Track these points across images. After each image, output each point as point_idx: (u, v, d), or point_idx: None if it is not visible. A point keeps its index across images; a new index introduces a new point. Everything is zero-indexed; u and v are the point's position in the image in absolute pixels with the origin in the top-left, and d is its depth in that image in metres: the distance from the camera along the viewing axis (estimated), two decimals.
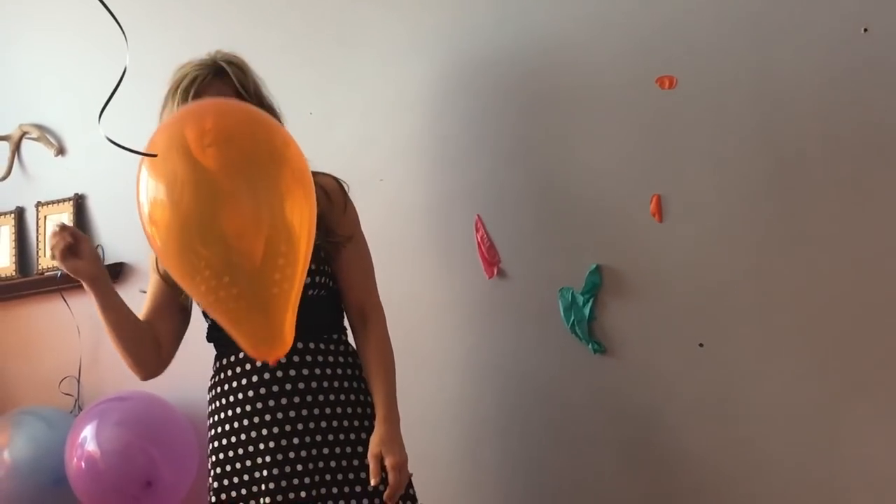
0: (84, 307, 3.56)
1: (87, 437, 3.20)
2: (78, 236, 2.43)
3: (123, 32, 2.94)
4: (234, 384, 2.52)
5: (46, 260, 3.60)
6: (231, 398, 2.52)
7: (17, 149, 3.67)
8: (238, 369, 2.52)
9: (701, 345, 2.72)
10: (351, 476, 2.48)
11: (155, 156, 3.16)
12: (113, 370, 3.53)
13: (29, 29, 3.70)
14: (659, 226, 2.75)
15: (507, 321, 2.95)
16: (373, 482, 2.39)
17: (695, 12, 2.71)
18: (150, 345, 2.61)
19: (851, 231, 2.57)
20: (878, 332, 2.56)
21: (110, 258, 3.52)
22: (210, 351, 3.24)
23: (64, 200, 3.59)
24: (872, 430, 2.56)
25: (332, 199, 2.54)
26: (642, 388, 2.79)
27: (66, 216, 3.57)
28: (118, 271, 3.50)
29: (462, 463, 2.98)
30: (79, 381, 3.58)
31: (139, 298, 3.41)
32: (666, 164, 2.74)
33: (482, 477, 2.97)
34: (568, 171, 2.85)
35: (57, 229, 2.42)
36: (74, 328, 3.57)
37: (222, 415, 2.53)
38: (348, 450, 2.48)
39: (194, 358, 3.36)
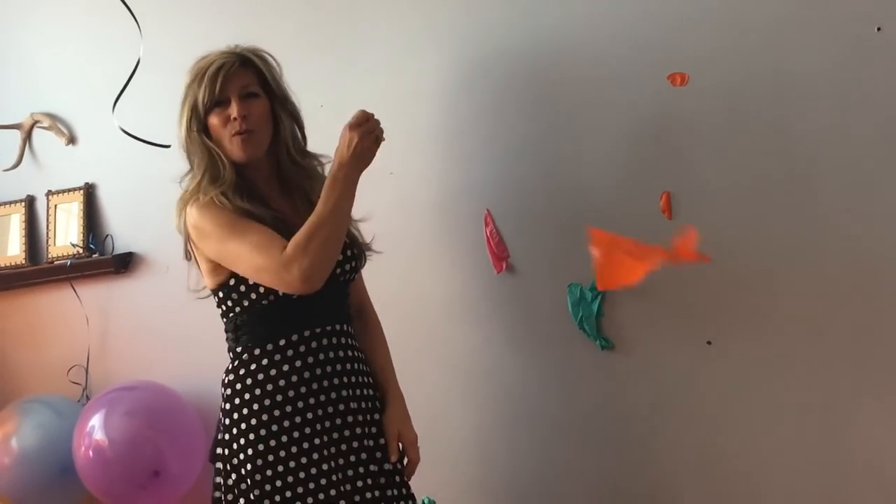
0: (92, 296, 3.58)
1: (96, 426, 3.21)
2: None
3: (137, 23, 2.96)
4: (298, 363, 2.48)
5: (56, 248, 3.61)
6: (294, 378, 2.47)
7: (28, 137, 3.67)
8: (302, 348, 2.49)
9: (709, 342, 2.71)
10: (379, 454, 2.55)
11: (168, 146, 3.19)
12: (121, 360, 3.56)
13: (42, 17, 3.70)
14: (668, 222, 2.74)
15: (516, 316, 2.95)
16: (394, 459, 2.51)
17: (709, 9, 2.69)
18: None
19: (862, 230, 2.56)
20: (887, 332, 2.55)
21: (119, 248, 3.54)
22: (217, 343, 3.27)
23: (74, 189, 3.60)
24: (880, 429, 2.56)
25: None
26: (649, 384, 2.79)
27: (76, 205, 3.58)
28: (127, 261, 3.52)
29: (469, 458, 2.99)
30: (87, 371, 3.59)
31: (155, 284, 3.47)
32: (676, 161, 2.74)
33: (489, 472, 2.98)
34: (578, 167, 2.85)
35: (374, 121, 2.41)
36: (83, 317, 3.58)
37: (278, 397, 2.47)
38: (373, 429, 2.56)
39: (203, 349, 3.39)
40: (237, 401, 2.52)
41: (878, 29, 2.52)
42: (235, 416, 2.52)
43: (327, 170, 2.51)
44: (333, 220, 2.39)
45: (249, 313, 2.53)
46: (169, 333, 3.47)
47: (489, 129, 2.96)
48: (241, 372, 2.53)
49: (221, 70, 2.48)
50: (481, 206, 2.96)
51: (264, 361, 2.51)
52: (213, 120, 2.51)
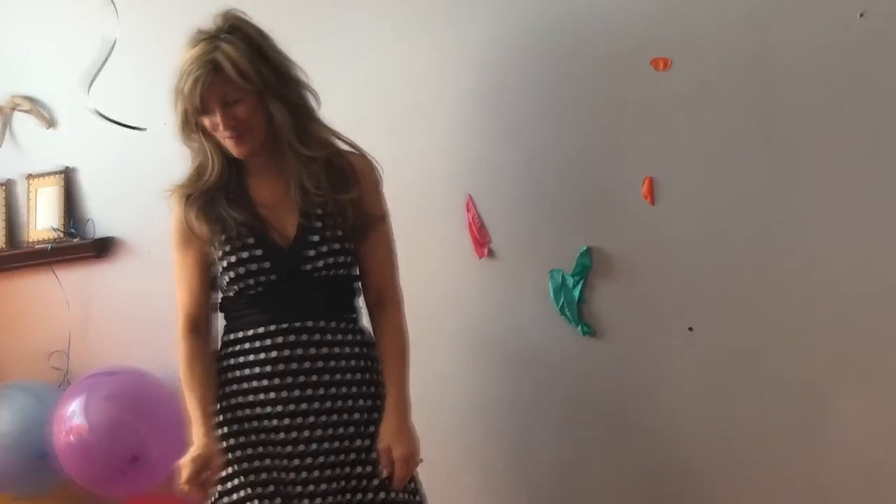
0: (73, 280, 3.56)
1: (76, 411, 3.20)
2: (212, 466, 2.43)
3: (114, 4, 2.94)
4: (252, 357, 2.48)
5: (36, 232, 3.58)
6: (245, 371, 2.48)
7: (7, 120, 3.64)
8: (258, 343, 2.48)
9: (690, 329, 2.71)
10: (361, 459, 2.50)
11: (144, 129, 3.17)
12: (102, 345, 3.54)
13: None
14: (651, 208, 2.74)
15: (498, 301, 2.95)
16: (384, 474, 2.44)
17: None
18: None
19: (845, 216, 2.56)
20: (870, 319, 2.55)
21: (100, 232, 3.51)
22: None
23: (54, 173, 3.57)
24: (860, 414, 2.56)
25: (364, 178, 2.55)
26: (631, 371, 2.79)
27: (56, 189, 3.55)
28: (108, 246, 3.50)
29: (448, 440, 2.97)
30: (68, 356, 3.57)
31: (136, 268, 3.45)
32: (659, 147, 2.73)
33: (467, 454, 2.98)
34: (561, 152, 2.84)
35: (192, 475, 2.41)
36: (64, 302, 3.57)
37: (234, 386, 2.50)
38: (361, 432, 2.50)
39: None
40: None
41: (861, 15, 2.51)
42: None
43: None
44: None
45: (222, 301, 2.58)
46: (150, 318, 3.43)
47: (470, 114, 2.94)
48: (219, 353, 2.57)
49: (197, 85, 2.39)
50: (463, 192, 2.95)
51: (223, 352, 2.55)
52: (206, 123, 2.47)
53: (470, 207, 2.94)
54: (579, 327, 2.82)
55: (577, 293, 2.82)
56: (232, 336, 2.53)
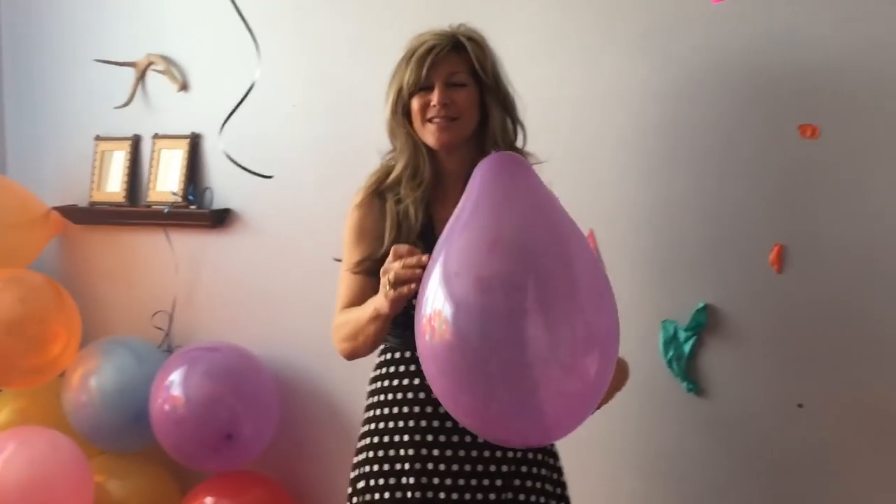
0: (184, 246, 3.60)
1: (175, 382, 3.25)
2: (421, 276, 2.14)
3: (256, 44, 2.92)
4: (396, 382, 2.42)
5: (156, 193, 3.62)
6: (391, 395, 2.42)
7: (141, 77, 3.66)
8: (402, 367, 2.42)
9: (800, 405, 2.66)
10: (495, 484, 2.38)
11: (271, 177, 3.15)
12: (205, 313, 3.59)
13: None
14: (776, 276, 2.68)
15: None
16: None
17: (846, 62, 2.59)
18: None
19: None
20: None
21: (218, 203, 3.53)
22: (301, 312, 3.27)
23: (181, 137, 3.59)
24: None
25: None
26: (731, 436, 2.76)
27: (180, 153, 3.57)
28: (224, 217, 3.52)
29: None
30: (171, 318, 3.62)
31: (248, 243, 3.47)
32: (795, 215, 2.66)
33: None
34: (694, 201, 2.78)
35: (419, 262, 2.13)
36: (173, 265, 3.61)
37: (378, 411, 2.44)
38: (516, 482, 2.39)
39: (288, 316, 3.42)
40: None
41: None
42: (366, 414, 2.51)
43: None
44: (359, 335, 2.36)
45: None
46: (255, 295, 3.48)
47: (605, 146, 2.89)
48: (374, 373, 2.51)
49: (430, 53, 2.36)
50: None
51: (378, 371, 2.49)
52: (415, 104, 2.39)
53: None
54: (685, 383, 2.79)
55: (687, 348, 2.78)
56: (388, 356, 2.47)
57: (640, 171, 2.84)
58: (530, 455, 2.40)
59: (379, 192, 2.47)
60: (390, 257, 2.19)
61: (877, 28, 2.55)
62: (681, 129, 2.78)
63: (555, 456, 2.48)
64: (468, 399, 1.98)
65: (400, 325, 2.36)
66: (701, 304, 2.76)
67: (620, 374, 2.32)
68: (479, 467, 2.35)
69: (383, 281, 2.19)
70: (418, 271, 2.11)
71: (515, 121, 2.48)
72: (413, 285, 2.12)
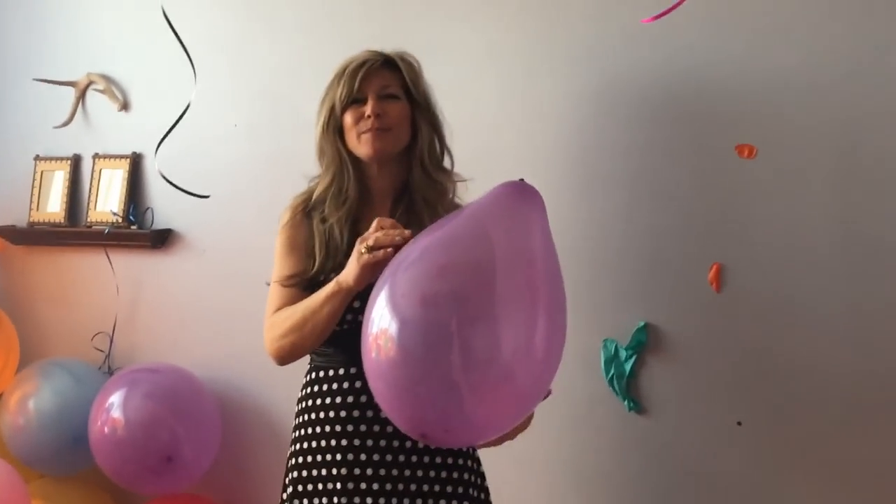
0: (125, 267, 3.57)
1: (115, 404, 3.22)
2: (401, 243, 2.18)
3: (193, 66, 2.92)
4: (328, 400, 2.43)
5: (96, 213, 3.59)
6: (322, 414, 2.42)
7: (82, 96, 3.64)
8: (335, 385, 2.42)
9: (739, 423, 2.68)
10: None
11: (207, 196, 3.15)
12: (146, 334, 3.56)
13: None
14: (715, 295, 2.70)
15: None
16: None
17: (783, 83, 2.63)
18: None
19: None
20: None
21: (159, 223, 3.51)
22: (244, 333, 3.24)
23: (121, 157, 3.57)
24: None
25: None
26: (673, 455, 2.77)
27: (121, 172, 3.55)
28: (165, 238, 3.50)
29: None
30: (111, 339, 3.59)
31: (189, 264, 3.45)
32: (733, 234, 2.69)
33: None
34: (632, 221, 2.79)
35: (403, 235, 2.17)
36: (114, 286, 3.58)
37: (309, 430, 2.45)
38: (437, 488, 2.41)
39: (230, 337, 3.40)
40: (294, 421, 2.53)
41: None
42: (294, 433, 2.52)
43: (456, 190, 2.52)
44: (311, 320, 2.36)
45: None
46: (197, 316, 3.46)
47: (542, 166, 2.90)
48: (302, 392, 2.52)
49: (362, 67, 2.42)
50: None
51: (305, 390, 2.50)
52: (348, 117, 2.42)
53: None
54: (626, 402, 2.80)
55: (628, 367, 2.79)
56: (314, 375, 2.48)
57: (579, 190, 2.86)
58: (460, 461, 2.43)
59: (306, 210, 2.50)
60: (372, 228, 2.21)
61: (813, 48, 2.58)
62: (619, 149, 2.80)
63: (478, 461, 2.52)
64: (410, 409, 1.98)
65: (329, 343, 2.40)
66: (641, 324, 2.78)
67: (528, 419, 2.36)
68: (407, 472, 2.37)
69: (358, 248, 2.21)
70: (398, 238, 2.15)
71: (443, 141, 2.52)
72: (390, 250, 2.15)
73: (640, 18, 2.61)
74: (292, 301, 2.43)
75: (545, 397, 2.11)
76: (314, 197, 2.49)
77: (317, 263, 2.41)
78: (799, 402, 2.63)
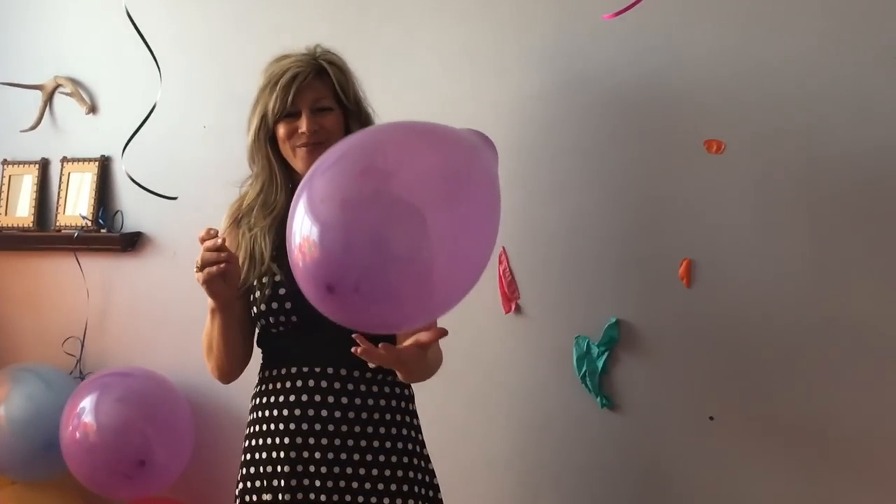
0: (96, 270, 3.55)
1: (86, 409, 3.20)
2: (232, 259, 2.29)
3: (157, 63, 2.91)
4: (273, 399, 2.44)
5: (65, 217, 3.56)
6: (268, 412, 2.44)
7: (49, 100, 3.61)
8: (279, 384, 2.44)
9: (711, 418, 2.69)
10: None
11: (175, 198, 3.14)
12: (118, 338, 3.54)
13: None
14: (685, 291, 2.71)
15: (518, 359, 2.92)
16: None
17: (750, 78, 2.64)
18: (243, 358, 2.53)
19: (889, 320, 2.53)
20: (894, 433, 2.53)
21: (129, 226, 3.49)
22: None
23: (90, 160, 3.55)
24: None
25: None
26: (646, 451, 2.78)
27: (89, 176, 3.53)
28: (135, 241, 3.48)
29: (456, 492, 2.96)
30: (83, 344, 3.56)
31: (159, 267, 3.43)
32: (702, 229, 2.69)
33: None
34: (601, 219, 2.80)
35: (214, 245, 2.24)
36: (84, 290, 3.55)
37: (257, 427, 2.47)
38: (380, 486, 2.40)
39: (199, 339, 3.36)
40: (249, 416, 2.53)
41: None
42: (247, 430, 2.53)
43: None
44: (211, 340, 2.45)
45: (267, 335, 2.51)
46: (169, 319, 3.44)
47: (513, 167, 2.89)
48: (255, 389, 2.53)
49: (295, 80, 2.39)
50: (497, 244, 2.91)
51: (256, 389, 2.52)
52: (281, 130, 2.42)
53: (502, 260, 2.91)
54: (598, 398, 2.80)
55: (600, 364, 2.79)
56: (263, 374, 2.51)
57: (550, 189, 2.86)
58: (405, 459, 2.43)
59: (237, 219, 2.51)
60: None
61: (780, 43, 2.59)
62: (588, 146, 2.81)
63: (427, 458, 2.52)
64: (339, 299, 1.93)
65: (269, 344, 2.46)
66: (613, 320, 2.78)
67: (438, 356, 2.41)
68: (349, 470, 2.38)
69: (195, 270, 2.28)
70: (223, 255, 2.23)
71: None
72: (221, 265, 2.23)
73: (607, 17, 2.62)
74: None
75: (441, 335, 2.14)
76: (244, 204, 2.51)
77: (242, 274, 2.42)
78: (771, 397, 2.65)
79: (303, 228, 1.94)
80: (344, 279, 1.90)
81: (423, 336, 2.17)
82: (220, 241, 2.24)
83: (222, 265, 2.24)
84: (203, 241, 2.26)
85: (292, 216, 1.99)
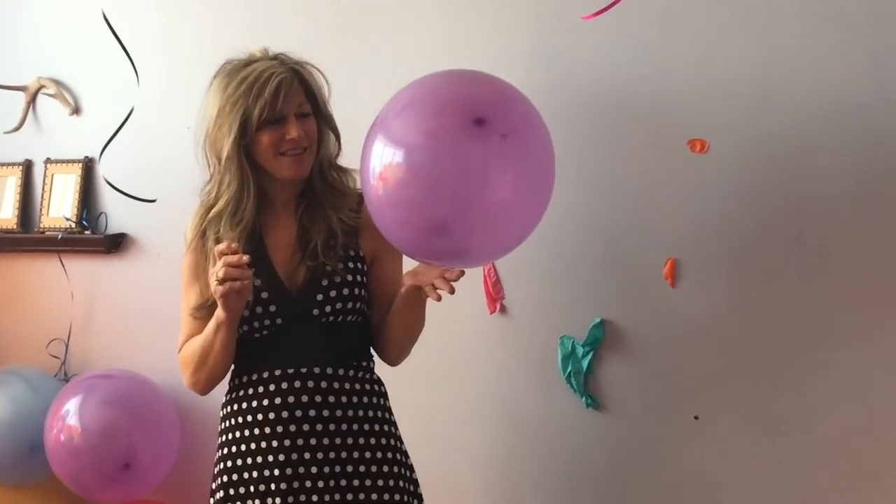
0: (80, 272, 3.54)
1: (70, 411, 3.19)
2: (250, 277, 2.27)
3: (133, 63, 2.91)
4: (255, 403, 2.42)
5: (49, 219, 3.55)
6: (249, 417, 2.42)
7: (32, 101, 3.60)
8: (261, 388, 2.42)
9: (696, 417, 2.69)
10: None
11: (154, 201, 3.13)
12: (102, 340, 3.53)
13: None
14: (670, 290, 2.71)
15: (503, 359, 2.92)
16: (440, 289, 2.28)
17: (733, 77, 2.63)
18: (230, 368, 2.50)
19: (870, 321, 2.54)
20: (878, 431, 2.53)
21: (113, 228, 3.48)
22: None
23: (74, 161, 3.53)
24: None
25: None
26: (631, 450, 2.78)
27: (73, 177, 3.51)
28: (119, 242, 3.47)
29: (441, 490, 2.95)
30: (67, 346, 3.55)
31: (144, 268, 3.42)
32: (686, 229, 2.69)
33: None
34: (587, 219, 2.80)
35: (239, 261, 2.22)
36: (68, 292, 3.54)
37: (237, 433, 2.44)
38: (368, 482, 2.40)
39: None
40: (221, 425, 2.50)
41: None
42: (220, 438, 2.50)
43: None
44: (210, 353, 2.40)
45: (244, 341, 2.46)
46: (153, 320, 3.41)
47: None
48: (226, 397, 2.51)
49: (282, 87, 2.35)
50: None
51: (230, 396, 2.49)
52: (265, 138, 2.37)
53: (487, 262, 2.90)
54: (584, 398, 2.80)
55: (585, 364, 2.79)
56: (237, 380, 2.48)
57: None
58: (389, 455, 2.43)
59: (203, 231, 2.47)
60: (219, 261, 2.24)
61: (762, 42, 2.59)
62: (572, 146, 2.79)
63: (406, 454, 2.51)
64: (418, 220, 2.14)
65: (252, 348, 2.42)
66: (597, 320, 2.78)
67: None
68: (338, 468, 2.38)
69: (211, 282, 2.26)
70: (247, 272, 2.23)
71: (339, 141, 2.51)
72: (242, 282, 2.23)
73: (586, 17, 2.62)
74: (202, 329, 2.43)
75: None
76: (212, 213, 2.45)
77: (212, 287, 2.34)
78: (755, 397, 2.65)
79: (384, 158, 2.14)
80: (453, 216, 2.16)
81: (451, 273, 2.26)
82: (245, 258, 2.22)
83: (246, 282, 2.24)
84: (223, 254, 2.23)
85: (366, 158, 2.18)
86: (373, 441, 2.43)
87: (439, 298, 2.26)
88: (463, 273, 2.25)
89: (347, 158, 2.50)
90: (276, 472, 2.38)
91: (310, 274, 2.41)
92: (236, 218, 2.42)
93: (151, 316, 3.42)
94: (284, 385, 2.41)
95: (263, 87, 2.35)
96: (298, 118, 2.40)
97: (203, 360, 2.42)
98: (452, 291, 2.25)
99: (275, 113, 2.36)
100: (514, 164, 2.16)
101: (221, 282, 2.22)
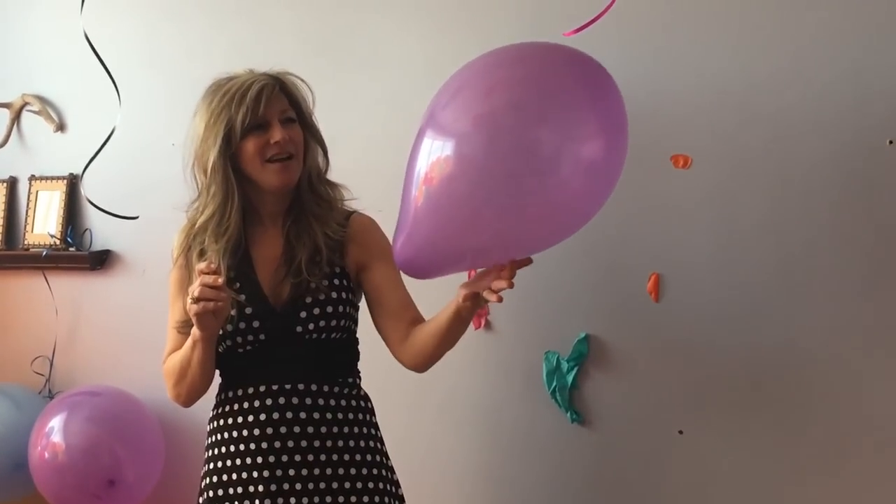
0: (64, 289, 3.53)
1: (55, 428, 3.18)
2: (227, 299, 2.27)
3: (118, 91, 2.92)
4: (240, 419, 2.42)
5: (33, 235, 3.55)
6: (235, 433, 2.42)
7: (16, 118, 3.60)
8: (246, 404, 2.42)
9: (681, 432, 2.70)
10: None
11: (136, 218, 3.13)
12: (87, 357, 3.53)
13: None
14: (654, 305, 2.72)
15: (488, 374, 2.93)
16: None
17: (717, 93, 2.65)
18: (210, 381, 2.49)
19: (854, 337, 2.55)
20: (870, 446, 2.55)
21: (97, 244, 3.49)
22: None
23: (58, 178, 3.54)
24: None
25: (371, 235, 2.51)
26: (615, 465, 2.78)
27: (58, 194, 3.52)
28: (104, 259, 3.47)
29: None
30: (51, 363, 3.55)
31: (129, 285, 3.42)
32: (670, 244, 2.71)
33: None
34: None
35: (214, 282, 2.21)
36: (53, 309, 3.54)
37: (223, 448, 2.44)
38: (353, 498, 2.39)
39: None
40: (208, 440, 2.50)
41: (890, 142, 2.49)
42: (206, 453, 2.50)
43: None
44: (188, 368, 2.41)
45: (218, 355, 2.46)
46: (138, 337, 3.42)
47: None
48: (213, 412, 2.50)
49: (264, 92, 2.35)
50: None
51: (217, 410, 2.49)
52: (249, 144, 2.36)
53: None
54: (568, 413, 2.81)
55: (570, 379, 2.80)
56: (224, 395, 2.48)
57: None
58: (374, 471, 2.43)
59: (188, 247, 2.47)
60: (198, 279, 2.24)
61: (746, 59, 2.61)
62: None
63: (392, 469, 2.51)
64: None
65: (235, 363, 2.42)
66: (582, 335, 2.79)
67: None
68: (322, 485, 2.37)
69: (187, 300, 2.26)
70: (222, 294, 2.22)
71: (326, 154, 2.51)
72: (217, 303, 2.21)
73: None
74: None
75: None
76: (196, 225, 2.45)
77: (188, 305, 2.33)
78: (739, 411, 2.65)
79: (433, 153, 2.12)
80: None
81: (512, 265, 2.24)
82: (220, 280, 2.22)
83: (220, 303, 2.23)
84: (202, 273, 2.22)
85: (415, 151, 2.17)
86: (358, 457, 2.42)
87: (500, 299, 2.22)
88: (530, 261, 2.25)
89: (336, 173, 2.51)
90: (261, 487, 2.37)
91: (293, 291, 2.41)
92: (221, 227, 2.41)
93: (136, 332, 3.43)
94: (269, 401, 2.40)
95: (245, 94, 2.36)
96: (283, 123, 2.39)
97: (182, 375, 2.43)
98: (512, 285, 2.22)
99: (258, 117, 2.36)
100: None
101: (196, 301, 2.22)
